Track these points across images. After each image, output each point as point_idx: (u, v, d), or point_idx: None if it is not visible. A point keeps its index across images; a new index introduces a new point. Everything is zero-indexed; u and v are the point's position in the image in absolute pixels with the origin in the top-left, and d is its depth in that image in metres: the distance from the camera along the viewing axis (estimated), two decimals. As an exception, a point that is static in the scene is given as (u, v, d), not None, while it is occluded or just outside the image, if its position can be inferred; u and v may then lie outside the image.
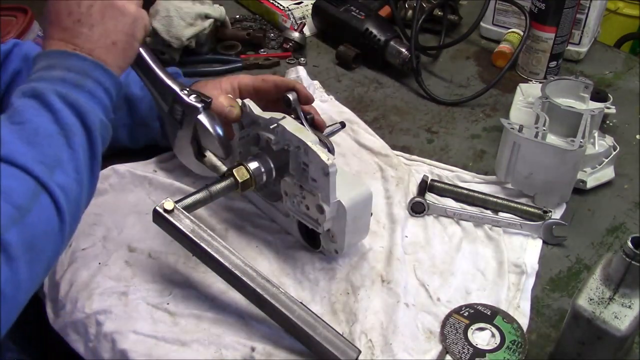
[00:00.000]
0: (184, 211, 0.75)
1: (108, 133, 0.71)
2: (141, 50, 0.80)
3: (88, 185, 0.66)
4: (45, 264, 0.61)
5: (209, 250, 0.73)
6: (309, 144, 0.74)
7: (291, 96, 0.86)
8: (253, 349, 0.74)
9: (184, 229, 0.74)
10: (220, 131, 0.83)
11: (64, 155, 0.63)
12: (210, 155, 0.86)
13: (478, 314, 0.79)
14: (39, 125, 0.63)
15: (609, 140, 1.01)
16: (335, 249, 0.82)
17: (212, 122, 0.82)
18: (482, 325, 0.78)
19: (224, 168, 0.84)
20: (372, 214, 0.82)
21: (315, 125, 0.90)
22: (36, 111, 0.64)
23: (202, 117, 0.82)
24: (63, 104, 0.64)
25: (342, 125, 0.96)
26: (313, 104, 0.91)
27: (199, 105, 0.81)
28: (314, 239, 0.84)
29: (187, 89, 0.83)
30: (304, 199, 0.79)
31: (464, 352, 0.75)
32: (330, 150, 0.85)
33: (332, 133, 0.94)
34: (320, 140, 0.81)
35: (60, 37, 0.69)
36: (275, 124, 0.78)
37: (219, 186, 0.79)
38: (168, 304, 0.78)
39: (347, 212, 0.76)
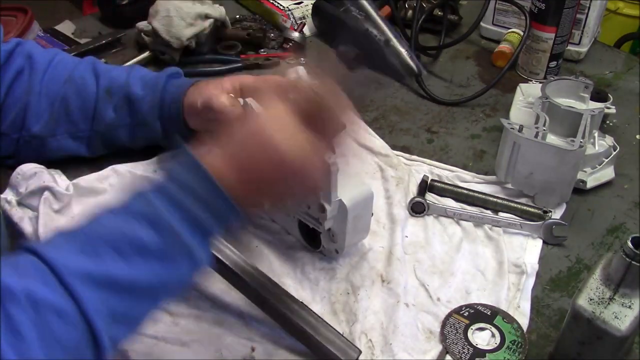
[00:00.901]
0: None
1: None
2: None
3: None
4: None
5: None
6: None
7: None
8: (253, 349, 0.74)
9: None
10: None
11: (142, 311, 0.57)
12: None
13: (478, 314, 0.79)
14: (140, 277, 0.54)
15: (609, 140, 1.01)
16: (335, 249, 0.82)
17: None
18: (482, 325, 0.78)
19: None
20: (372, 214, 0.82)
21: None
22: (150, 258, 0.55)
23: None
24: (186, 260, 0.57)
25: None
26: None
27: None
28: (314, 239, 0.84)
29: None
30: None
31: (464, 352, 0.75)
32: None
33: None
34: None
35: (236, 177, 0.60)
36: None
37: None
38: (168, 304, 0.78)
39: (349, 211, 0.76)
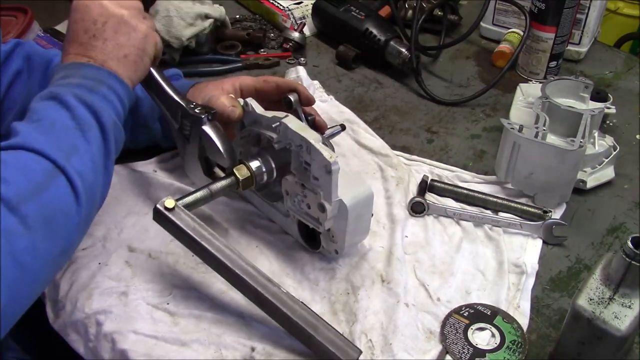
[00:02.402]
0: (184, 209, 0.75)
1: (121, 136, 0.75)
2: (151, 69, 0.82)
3: (103, 179, 0.70)
4: (63, 243, 0.64)
5: (209, 248, 0.73)
6: (312, 142, 0.74)
7: (292, 97, 0.86)
8: (253, 349, 0.74)
9: (184, 227, 0.74)
10: (225, 142, 0.83)
11: (80, 145, 0.67)
12: (218, 171, 0.87)
13: (478, 314, 0.79)
14: (56, 120, 0.67)
15: (609, 140, 1.01)
16: (335, 249, 0.82)
17: (217, 133, 0.83)
18: (482, 325, 0.78)
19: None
20: (372, 214, 0.82)
21: (316, 126, 0.90)
22: (53, 109, 0.68)
23: (207, 128, 0.83)
24: (78, 102, 0.69)
25: (342, 127, 0.96)
26: (313, 105, 0.91)
27: (203, 116, 0.82)
28: (313, 240, 0.84)
29: (194, 103, 0.84)
30: (305, 197, 0.79)
31: (464, 352, 0.75)
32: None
33: (332, 135, 0.94)
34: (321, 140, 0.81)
35: (77, 51, 0.74)
36: (278, 123, 0.78)
37: (219, 184, 0.79)
38: (168, 304, 0.78)
39: (349, 211, 0.76)
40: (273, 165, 0.81)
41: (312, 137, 0.75)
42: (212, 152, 0.84)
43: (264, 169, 0.81)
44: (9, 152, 0.63)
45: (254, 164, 0.80)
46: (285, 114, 0.79)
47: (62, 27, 1.36)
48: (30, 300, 0.62)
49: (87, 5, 0.76)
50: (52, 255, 0.63)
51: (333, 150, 0.87)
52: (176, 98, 0.84)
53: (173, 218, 0.74)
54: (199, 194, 0.78)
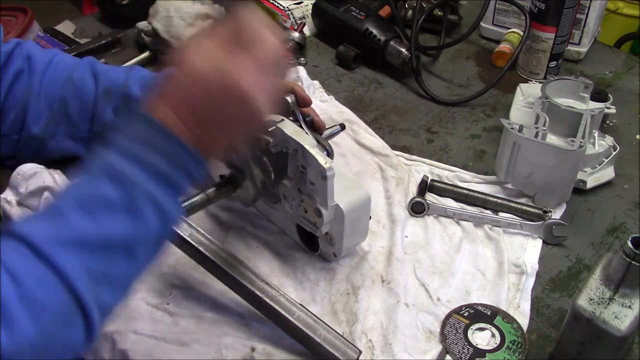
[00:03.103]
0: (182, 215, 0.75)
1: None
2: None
3: (134, 285, 0.59)
4: None
5: (207, 254, 0.73)
6: (307, 147, 0.74)
7: (289, 98, 0.86)
8: (253, 349, 0.74)
9: (181, 233, 0.74)
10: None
11: (121, 272, 0.55)
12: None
13: (478, 314, 0.79)
14: (111, 231, 0.53)
15: (609, 140, 1.01)
16: (333, 252, 0.82)
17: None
18: (482, 325, 0.78)
19: None
20: (371, 217, 0.82)
21: (315, 127, 0.90)
22: (117, 212, 0.54)
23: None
24: (154, 211, 0.56)
25: (342, 127, 0.96)
26: (313, 105, 0.91)
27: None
28: (312, 242, 0.84)
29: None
30: (302, 202, 0.78)
31: (464, 352, 0.75)
32: (329, 153, 0.85)
33: (332, 135, 0.94)
34: (318, 142, 0.81)
35: (187, 125, 0.58)
36: (274, 127, 0.77)
37: (217, 189, 0.79)
38: (168, 304, 0.78)
39: (345, 215, 0.76)
40: (271, 169, 0.81)
41: (307, 141, 0.74)
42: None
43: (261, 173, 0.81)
44: (25, 261, 0.49)
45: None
46: (281, 117, 0.79)
47: (62, 27, 1.36)
48: None
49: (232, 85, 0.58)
50: None
51: (332, 151, 0.87)
52: None
53: None
54: (195, 199, 0.78)
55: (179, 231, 0.74)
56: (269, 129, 0.78)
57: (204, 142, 0.59)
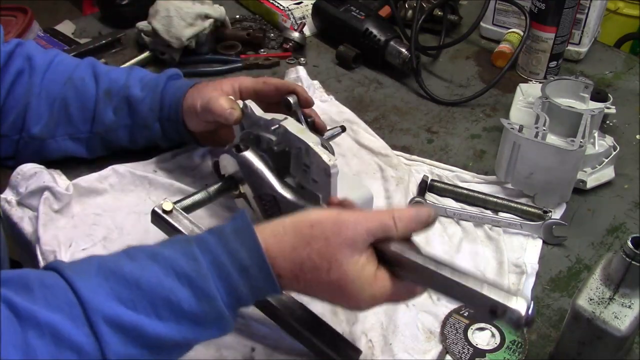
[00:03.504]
0: (182, 212, 0.75)
1: None
2: None
3: None
4: None
5: None
6: (311, 144, 0.74)
7: (291, 99, 0.86)
8: (253, 349, 0.74)
9: (182, 230, 0.74)
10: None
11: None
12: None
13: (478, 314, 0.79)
14: (171, 339, 0.56)
15: (609, 140, 1.01)
16: (335, 250, 0.82)
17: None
18: (482, 325, 0.78)
19: None
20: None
21: (316, 128, 0.90)
22: (185, 321, 0.56)
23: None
24: (215, 329, 0.58)
25: (343, 129, 0.95)
26: (313, 106, 0.91)
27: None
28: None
29: None
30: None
31: (464, 352, 0.75)
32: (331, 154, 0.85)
33: (333, 137, 0.94)
34: (320, 143, 0.81)
35: (286, 269, 0.59)
36: (277, 125, 0.77)
37: (218, 187, 0.79)
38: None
39: None
40: (272, 167, 0.81)
41: (311, 140, 0.75)
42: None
43: None
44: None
45: None
46: (284, 116, 0.79)
47: (62, 27, 1.36)
48: None
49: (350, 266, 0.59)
50: None
51: (333, 152, 0.87)
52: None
53: (171, 221, 0.74)
54: (197, 197, 0.78)
55: (180, 228, 0.73)
56: (272, 128, 0.78)
57: (291, 288, 0.62)
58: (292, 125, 0.77)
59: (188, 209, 0.76)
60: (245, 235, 0.58)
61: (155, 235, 0.82)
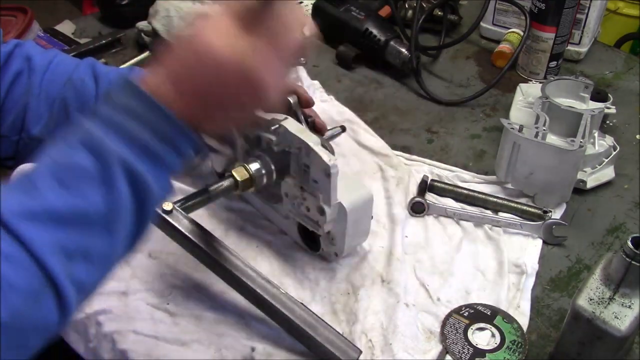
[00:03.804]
0: (182, 212, 0.75)
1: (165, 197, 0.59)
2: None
3: (111, 270, 0.56)
4: (29, 353, 0.50)
5: (208, 251, 0.73)
6: (311, 144, 0.74)
7: (291, 99, 0.86)
8: (253, 349, 0.74)
9: (183, 230, 0.74)
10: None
11: (95, 246, 0.52)
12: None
13: (478, 314, 0.79)
14: (85, 205, 0.50)
15: (609, 140, 1.01)
16: (335, 252, 0.82)
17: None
18: (482, 325, 0.78)
19: None
20: (372, 216, 0.82)
21: (316, 128, 0.90)
22: (88, 186, 0.51)
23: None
24: (126, 181, 0.52)
25: (343, 129, 0.96)
26: (313, 106, 0.91)
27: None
28: (313, 242, 0.84)
29: None
30: (304, 200, 0.79)
31: (464, 352, 0.75)
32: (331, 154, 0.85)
33: (333, 137, 0.94)
34: (320, 143, 0.81)
35: (180, 90, 0.56)
36: (277, 125, 0.77)
37: (218, 187, 0.79)
38: (168, 304, 0.78)
39: (348, 214, 0.76)
40: (272, 168, 0.81)
41: (311, 139, 0.75)
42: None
43: (263, 171, 0.80)
44: None
45: (253, 166, 0.80)
46: (284, 116, 0.79)
47: (62, 27, 1.36)
48: None
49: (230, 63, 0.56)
50: None
51: (333, 152, 0.87)
52: None
53: (171, 221, 0.74)
54: (197, 197, 0.78)
55: (180, 228, 0.74)
56: (272, 127, 0.78)
57: (199, 118, 0.57)
58: (292, 125, 0.77)
59: (188, 209, 0.76)
60: (121, 84, 0.56)
61: (156, 235, 0.83)
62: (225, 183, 0.80)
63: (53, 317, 0.50)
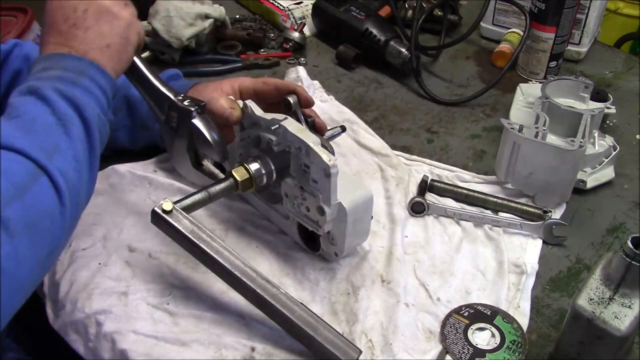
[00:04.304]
0: (182, 212, 0.75)
1: (106, 130, 0.72)
2: (135, 58, 0.81)
3: (87, 176, 0.67)
4: (48, 246, 0.62)
5: (208, 251, 0.73)
6: (311, 144, 0.74)
7: (291, 99, 0.86)
8: (253, 349, 0.74)
9: (182, 230, 0.73)
10: (215, 135, 0.83)
11: (62, 143, 0.64)
12: (207, 164, 0.87)
13: (478, 314, 0.79)
14: (36, 116, 0.64)
15: (609, 140, 1.01)
16: (335, 252, 0.82)
17: (207, 126, 0.83)
18: (482, 325, 0.78)
19: (221, 175, 0.84)
20: (372, 217, 0.82)
21: (316, 128, 0.90)
22: (33, 104, 0.65)
23: (197, 121, 0.83)
24: (59, 97, 0.66)
25: (343, 129, 0.96)
26: (314, 106, 0.91)
27: (192, 109, 0.82)
28: (313, 242, 0.84)
29: (182, 95, 0.84)
30: (304, 200, 0.79)
31: (464, 352, 0.75)
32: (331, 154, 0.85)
33: (333, 137, 0.94)
34: (320, 143, 0.81)
35: (56, 41, 0.71)
36: (277, 125, 0.77)
37: (218, 187, 0.79)
38: (168, 304, 0.78)
39: (348, 214, 0.76)
40: (272, 168, 0.81)
41: (311, 139, 0.75)
42: (202, 145, 0.84)
43: (263, 171, 0.81)
44: None
45: (253, 166, 0.80)
46: (284, 116, 0.79)
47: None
48: (17, 305, 0.60)
49: None
50: (37, 260, 0.60)
51: (333, 152, 0.87)
52: (163, 90, 0.83)
53: (171, 221, 0.74)
54: (197, 197, 0.78)
55: (180, 228, 0.73)
56: (272, 127, 0.78)
57: (83, 48, 0.71)
58: (292, 125, 0.77)
59: (188, 209, 0.76)
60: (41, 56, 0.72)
61: (155, 235, 0.83)
62: (225, 183, 0.80)
63: (53, 200, 0.61)
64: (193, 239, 0.73)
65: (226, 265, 0.73)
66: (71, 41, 0.71)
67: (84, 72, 0.69)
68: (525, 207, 0.94)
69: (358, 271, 0.83)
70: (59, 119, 0.65)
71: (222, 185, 0.79)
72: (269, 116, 0.80)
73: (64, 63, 0.69)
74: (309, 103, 0.89)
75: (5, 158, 0.60)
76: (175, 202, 0.75)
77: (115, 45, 0.74)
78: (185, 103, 0.83)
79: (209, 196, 0.78)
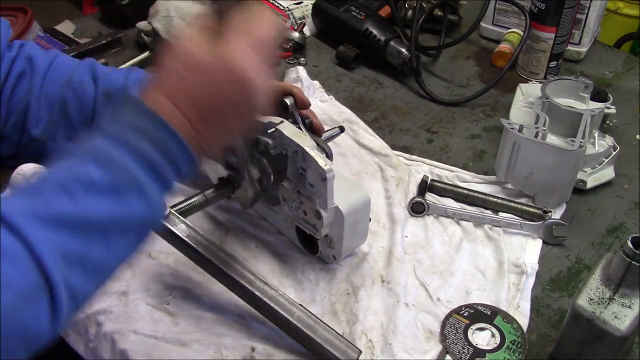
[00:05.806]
0: (179, 216, 0.75)
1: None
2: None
3: (106, 279, 0.57)
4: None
5: (205, 254, 0.73)
6: (307, 149, 0.73)
7: (288, 101, 0.86)
8: (253, 349, 0.74)
9: (179, 234, 0.73)
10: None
11: (96, 252, 0.52)
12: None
13: (478, 314, 0.79)
14: (90, 212, 0.52)
15: (609, 140, 1.01)
16: (333, 255, 0.82)
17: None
18: (482, 325, 0.78)
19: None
20: (370, 219, 0.82)
21: (314, 129, 0.89)
22: (97, 193, 0.52)
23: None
24: (138, 196, 0.54)
25: (341, 129, 0.95)
26: (313, 106, 0.91)
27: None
28: (311, 245, 0.84)
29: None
30: (301, 204, 0.78)
31: (464, 352, 0.75)
32: (328, 156, 0.84)
33: (331, 137, 0.93)
34: (318, 145, 0.80)
35: (180, 106, 0.58)
36: (273, 129, 0.77)
37: (214, 190, 0.79)
38: (168, 304, 0.78)
39: (345, 217, 0.76)
40: (270, 170, 0.80)
41: (307, 143, 0.74)
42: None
43: (260, 175, 0.80)
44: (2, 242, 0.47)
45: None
46: (280, 119, 0.79)
47: (62, 27, 1.36)
48: None
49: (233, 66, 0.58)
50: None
51: (331, 154, 0.87)
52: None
53: (167, 225, 0.74)
54: (193, 201, 0.78)
55: (176, 232, 0.73)
56: (269, 131, 0.78)
57: (201, 135, 0.58)
58: (288, 128, 0.77)
59: (185, 213, 0.76)
60: (126, 102, 0.58)
61: (156, 235, 0.83)
62: (222, 187, 0.79)
63: (44, 322, 0.49)
64: (190, 242, 0.73)
65: (223, 268, 0.73)
66: (193, 124, 0.58)
67: (180, 170, 0.58)
68: (525, 207, 0.94)
69: (358, 271, 0.83)
70: (114, 220, 0.54)
71: (219, 189, 0.79)
72: (265, 119, 0.79)
73: (168, 145, 0.56)
74: (305, 104, 0.88)
75: (13, 260, 0.48)
76: (171, 206, 0.75)
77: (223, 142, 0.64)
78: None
79: (205, 200, 0.78)
